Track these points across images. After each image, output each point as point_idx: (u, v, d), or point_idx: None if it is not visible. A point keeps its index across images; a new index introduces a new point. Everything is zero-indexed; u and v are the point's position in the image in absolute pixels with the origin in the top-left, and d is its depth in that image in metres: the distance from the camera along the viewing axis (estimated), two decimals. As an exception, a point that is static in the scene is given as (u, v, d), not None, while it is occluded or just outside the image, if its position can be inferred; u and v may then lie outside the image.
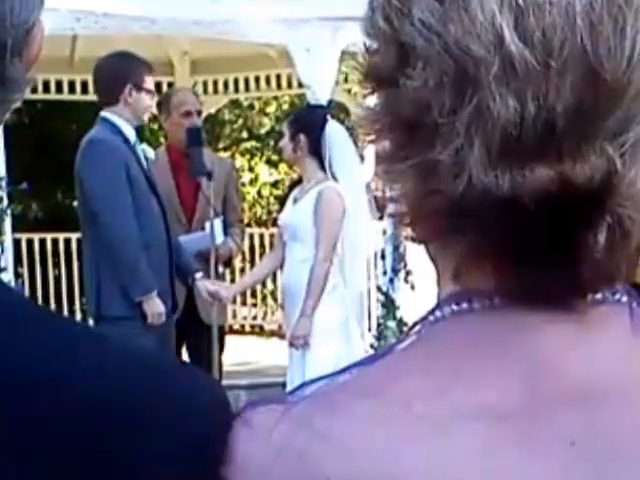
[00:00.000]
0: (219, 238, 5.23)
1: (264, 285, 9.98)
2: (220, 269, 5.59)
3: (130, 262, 4.50)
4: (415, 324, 0.75)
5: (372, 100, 0.73)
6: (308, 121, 5.06)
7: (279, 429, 0.70)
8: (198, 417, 0.72)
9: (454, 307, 0.73)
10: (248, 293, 9.99)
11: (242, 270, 9.87)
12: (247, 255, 10.06)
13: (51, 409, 0.66)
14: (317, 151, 4.94)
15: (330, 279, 4.87)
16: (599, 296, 0.73)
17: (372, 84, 0.72)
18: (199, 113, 5.42)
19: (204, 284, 4.92)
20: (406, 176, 0.71)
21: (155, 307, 4.53)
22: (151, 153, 4.92)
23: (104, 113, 4.68)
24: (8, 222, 5.95)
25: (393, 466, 0.67)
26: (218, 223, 5.20)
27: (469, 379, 0.70)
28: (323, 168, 4.96)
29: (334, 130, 5.03)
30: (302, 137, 4.94)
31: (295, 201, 5.07)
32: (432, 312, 0.74)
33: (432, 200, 0.69)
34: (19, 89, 0.75)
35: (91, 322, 4.86)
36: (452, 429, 0.67)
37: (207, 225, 5.18)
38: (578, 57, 0.66)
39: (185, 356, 5.54)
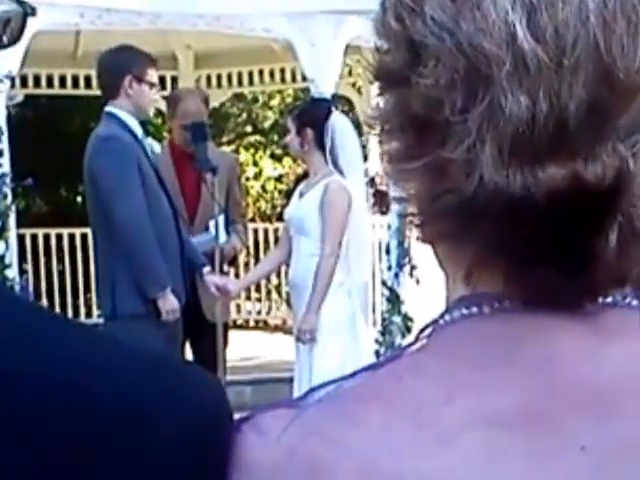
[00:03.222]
0: (222, 237, 5.21)
1: (268, 280, 9.99)
2: (225, 268, 5.58)
3: (146, 259, 4.49)
4: (425, 328, 0.74)
5: (382, 100, 0.72)
6: (313, 114, 5.06)
7: (288, 434, 0.69)
8: (200, 420, 0.71)
9: (464, 311, 0.72)
10: (252, 287, 10.00)
11: (246, 265, 9.89)
12: (252, 250, 10.07)
13: (51, 410, 0.65)
14: (323, 144, 4.94)
15: (337, 274, 4.87)
16: (610, 300, 0.72)
17: (383, 84, 0.72)
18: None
19: (212, 278, 4.92)
20: (417, 176, 0.70)
21: (170, 304, 4.53)
22: (158, 148, 4.92)
23: (108, 108, 4.67)
24: (12, 218, 5.96)
25: (398, 474, 0.66)
26: (221, 221, 5.19)
27: (478, 385, 0.69)
28: (327, 161, 4.96)
29: (338, 120, 5.04)
30: (308, 131, 4.94)
31: (301, 195, 5.07)
32: (442, 316, 0.74)
33: (443, 200, 0.68)
34: None
35: (97, 318, 4.87)
36: (460, 437, 0.66)
37: (211, 224, 5.16)
38: (591, 55, 0.65)
39: (189, 353, 5.55)
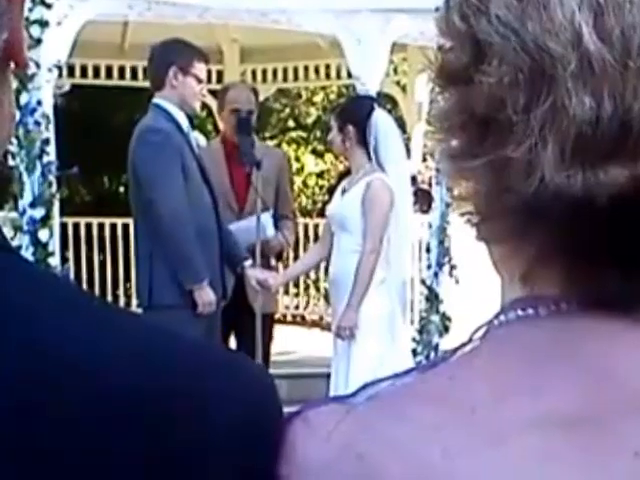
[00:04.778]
0: (270, 232, 5.23)
1: (307, 275, 9.98)
2: (272, 262, 5.61)
3: (183, 251, 4.51)
4: (478, 329, 0.73)
5: (442, 98, 0.72)
6: (356, 111, 5.07)
7: (340, 430, 0.69)
8: (248, 409, 0.70)
9: (519, 312, 0.72)
10: (290, 282, 10.01)
11: (286, 259, 9.88)
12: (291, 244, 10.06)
13: (86, 400, 0.65)
14: (366, 141, 4.94)
15: (377, 272, 4.87)
16: None
17: (444, 82, 0.71)
18: (250, 112, 5.39)
19: (253, 272, 4.93)
20: (476, 174, 0.70)
21: (206, 296, 4.54)
22: (203, 141, 4.93)
23: (155, 99, 4.70)
24: (56, 207, 6.00)
25: (450, 474, 0.66)
26: (267, 217, 5.19)
27: (532, 387, 0.68)
28: (371, 158, 4.96)
29: (381, 118, 5.03)
30: (350, 128, 4.94)
31: (343, 192, 5.08)
32: (496, 317, 0.73)
33: (503, 199, 0.68)
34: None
35: (136, 308, 4.89)
36: (514, 438, 0.66)
37: (253, 217, 5.18)
38: None
39: (233, 344, 5.56)
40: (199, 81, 4.73)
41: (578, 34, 0.64)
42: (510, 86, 0.66)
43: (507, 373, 0.69)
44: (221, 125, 5.72)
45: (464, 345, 0.73)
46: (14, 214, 5.76)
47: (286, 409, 0.73)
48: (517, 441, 0.66)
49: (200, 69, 4.73)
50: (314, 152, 14.60)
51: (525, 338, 0.71)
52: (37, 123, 5.79)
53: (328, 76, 9.82)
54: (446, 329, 6.83)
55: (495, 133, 0.67)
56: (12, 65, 0.76)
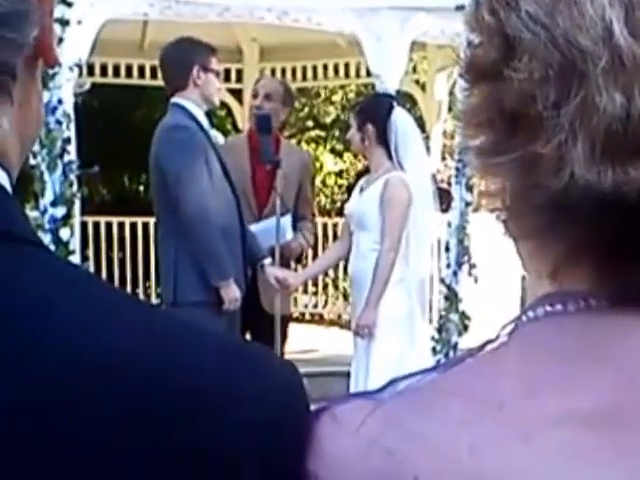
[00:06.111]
0: (288, 234, 5.22)
1: (325, 273, 9.97)
2: (292, 265, 5.61)
3: (211, 247, 4.52)
4: (506, 325, 0.73)
5: (470, 94, 0.71)
6: (375, 110, 5.06)
7: (367, 426, 0.69)
8: (272, 407, 0.70)
9: (548, 308, 0.72)
10: (309, 281, 10.00)
11: (305, 258, 9.88)
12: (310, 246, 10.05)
13: (94, 396, 0.65)
14: (385, 140, 4.94)
15: (396, 270, 4.86)
16: None
17: (473, 77, 0.71)
18: (268, 96, 5.39)
19: (273, 270, 4.92)
20: (505, 170, 0.70)
21: (232, 293, 4.55)
22: (221, 139, 4.93)
23: (175, 99, 4.70)
24: (77, 205, 6.02)
25: (477, 469, 0.65)
26: (286, 220, 5.18)
27: (561, 383, 0.68)
28: (390, 157, 4.95)
29: (400, 117, 5.02)
30: (369, 126, 4.93)
31: (362, 190, 5.07)
32: (525, 313, 0.73)
33: (532, 196, 0.68)
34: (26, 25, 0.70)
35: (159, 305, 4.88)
36: (542, 434, 0.66)
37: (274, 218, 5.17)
38: None
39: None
40: (218, 75, 4.78)
41: (609, 30, 0.64)
42: (540, 82, 0.65)
43: (535, 369, 0.69)
44: (247, 120, 5.81)
45: (491, 341, 0.73)
46: (35, 213, 5.78)
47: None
48: (545, 437, 0.65)
49: (215, 63, 4.78)
50: (333, 151, 14.59)
51: (554, 334, 0.71)
52: (58, 122, 5.80)
53: (347, 75, 9.81)
54: (465, 328, 6.81)
55: (525, 129, 0.67)
56: (41, 63, 0.76)
